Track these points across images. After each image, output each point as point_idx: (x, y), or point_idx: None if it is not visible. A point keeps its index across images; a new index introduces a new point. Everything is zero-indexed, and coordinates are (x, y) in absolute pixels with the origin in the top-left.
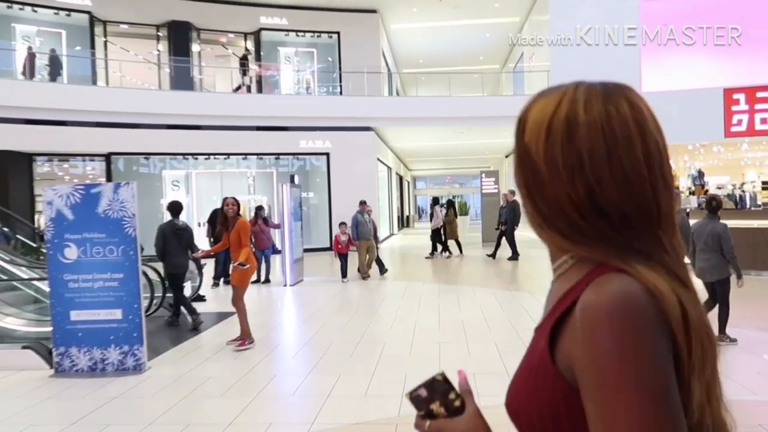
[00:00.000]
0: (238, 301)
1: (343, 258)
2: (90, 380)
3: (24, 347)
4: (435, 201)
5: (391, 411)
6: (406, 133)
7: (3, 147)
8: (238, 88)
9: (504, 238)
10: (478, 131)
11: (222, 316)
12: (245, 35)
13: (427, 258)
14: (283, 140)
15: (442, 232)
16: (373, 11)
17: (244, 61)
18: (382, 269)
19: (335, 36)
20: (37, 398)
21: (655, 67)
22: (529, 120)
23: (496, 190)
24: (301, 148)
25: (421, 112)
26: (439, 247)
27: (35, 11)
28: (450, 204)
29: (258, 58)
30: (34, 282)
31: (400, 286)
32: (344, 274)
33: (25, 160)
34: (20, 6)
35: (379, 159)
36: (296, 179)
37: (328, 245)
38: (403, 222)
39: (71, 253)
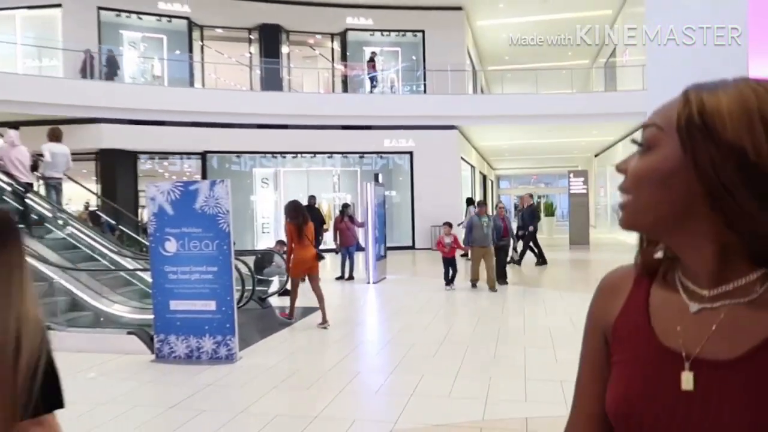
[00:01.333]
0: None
1: (448, 263)
2: (186, 367)
3: (129, 333)
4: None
5: (476, 414)
6: (491, 131)
7: (112, 146)
8: (373, 87)
9: (530, 242)
10: (566, 129)
11: (308, 311)
12: (332, 36)
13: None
14: (367, 139)
15: None
16: (459, 8)
17: (371, 62)
18: (503, 279)
19: (420, 34)
20: (139, 381)
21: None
22: (724, 115)
23: (585, 191)
24: (385, 146)
25: (507, 109)
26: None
27: (140, 18)
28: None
29: (344, 58)
30: (138, 272)
31: (482, 288)
32: (448, 281)
33: (131, 158)
34: (127, 14)
35: (462, 158)
36: (380, 178)
37: (410, 244)
38: None
39: (171, 246)
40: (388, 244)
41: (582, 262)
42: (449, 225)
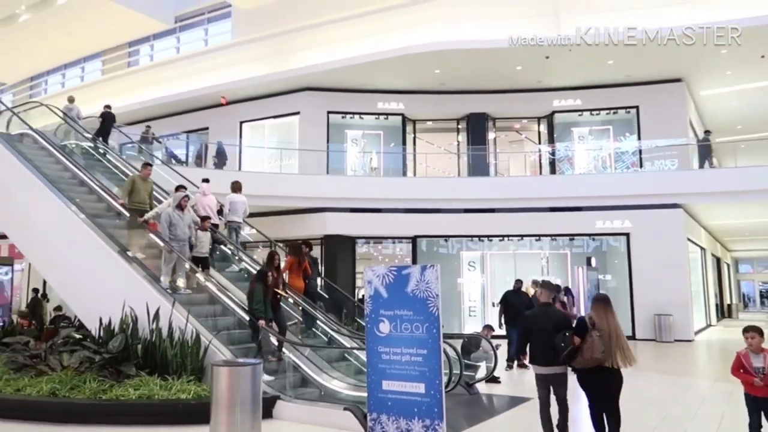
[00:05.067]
0: None
1: (758, 406)
2: None
3: (345, 409)
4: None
5: None
6: (724, 209)
7: (334, 232)
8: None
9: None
10: None
11: (516, 401)
12: (538, 119)
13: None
14: (577, 221)
15: None
16: (678, 80)
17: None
18: None
19: (633, 111)
20: None
21: None
22: None
23: None
24: (597, 228)
25: (743, 184)
26: None
27: (361, 118)
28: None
29: (551, 140)
30: (355, 350)
31: (720, 393)
32: None
33: (350, 242)
34: (351, 115)
35: (689, 239)
36: (593, 261)
37: (630, 333)
38: (723, 311)
39: (384, 327)
40: None
41: None
42: (757, 332)
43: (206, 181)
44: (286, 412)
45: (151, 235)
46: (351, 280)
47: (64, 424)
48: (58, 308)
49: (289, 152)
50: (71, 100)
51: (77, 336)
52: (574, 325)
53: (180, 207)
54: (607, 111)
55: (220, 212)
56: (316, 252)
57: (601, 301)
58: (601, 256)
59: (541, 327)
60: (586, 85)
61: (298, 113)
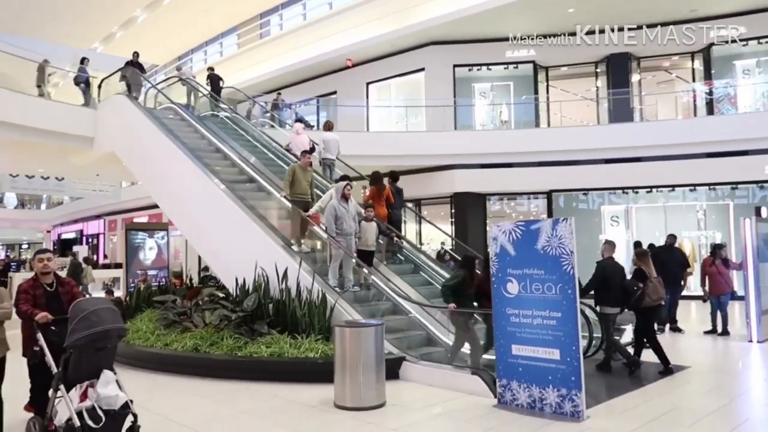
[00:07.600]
0: None
1: None
2: (529, 418)
3: (473, 373)
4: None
5: None
6: None
7: (464, 189)
8: None
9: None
10: None
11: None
12: (692, 54)
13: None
14: (742, 167)
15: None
16: None
17: None
18: None
19: None
20: (481, 427)
21: None
22: None
23: None
24: (766, 174)
25: None
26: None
27: (489, 69)
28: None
29: (708, 76)
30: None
31: None
32: None
33: (480, 200)
34: (478, 67)
35: None
36: (764, 212)
37: None
38: None
39: (513, 287)
40: None
41: None
42: None
43: (300, 121)
44: (412, 373)
45: (317, 230)
46: (482, 239)
47: (205, 378)
48: (206, 268)
49: (416, 110)
50: (179, 68)
51: (220, 294)
52: (632, 275)
53: (344, 197)
54: None
55: (312, 150)
56: (446, 210)
57: (647, 254)
58: None
59: (614, 276)
60: (751, 9)
61: (423, 69)
